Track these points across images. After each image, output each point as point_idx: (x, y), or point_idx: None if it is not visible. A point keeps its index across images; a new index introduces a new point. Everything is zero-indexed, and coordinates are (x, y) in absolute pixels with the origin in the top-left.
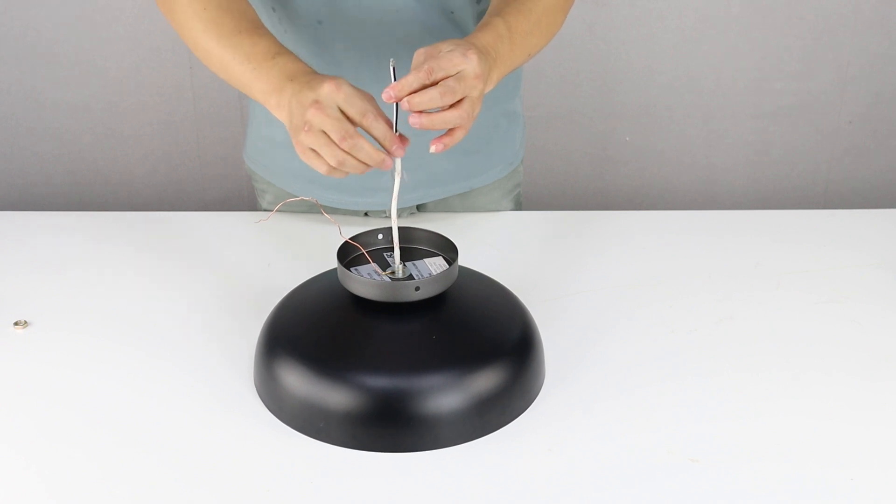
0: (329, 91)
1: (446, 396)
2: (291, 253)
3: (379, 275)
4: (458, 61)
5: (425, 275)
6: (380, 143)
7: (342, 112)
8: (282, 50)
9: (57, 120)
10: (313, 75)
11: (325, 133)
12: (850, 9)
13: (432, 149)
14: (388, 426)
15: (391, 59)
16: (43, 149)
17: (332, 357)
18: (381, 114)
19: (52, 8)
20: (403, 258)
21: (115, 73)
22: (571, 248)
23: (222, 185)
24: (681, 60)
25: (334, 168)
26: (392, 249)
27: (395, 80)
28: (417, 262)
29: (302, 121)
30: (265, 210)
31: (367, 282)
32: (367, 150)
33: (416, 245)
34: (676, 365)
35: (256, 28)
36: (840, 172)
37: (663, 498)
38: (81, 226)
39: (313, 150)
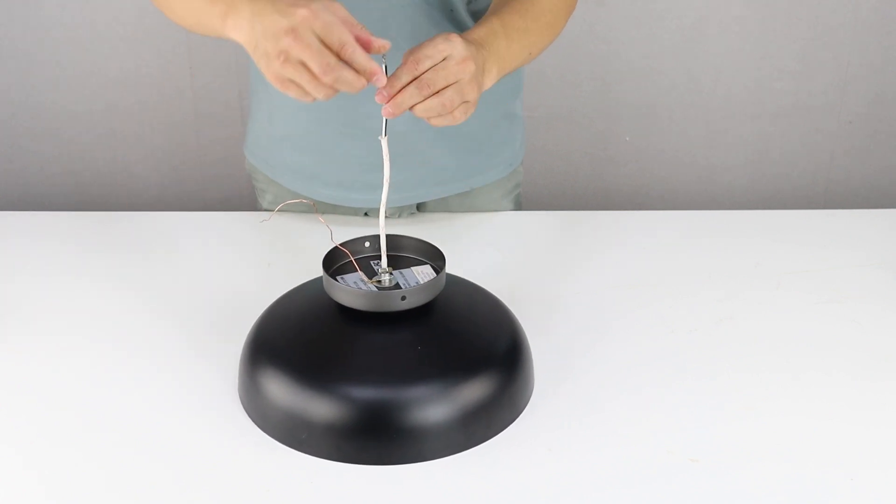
0: (305, 18)
1: (432, 408)
2: (291, 253)
3: (365, 283)
4: (443, 47)
5: (412, 283)
6: (361, 72)
7: (320, 40)
8: None
9: (57, 120)
10: None
11: (303, 64)
12: (849, 9)
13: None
14: (373, 438)
15: (383, 56)
16: (43, 149)
17: (316, 367)
18: (357, 43)
19: (53, 8)
20: (391, 266)
21: (115, 74)
22: (571, 248)
23: (222, 185)
24: (681, 60)
25: (313, 97)
26: (379, 257)
27: (386, 75)
28: (404, 271)
29: (276, 49)
30: (265, 210)
31: (352, 291)
32: (349, 80)
33: (404, 253)
34: (676, 365)
35: None
36: (840, 172)
37: (663, 498)
38: (81, 226)
39: (289, 80)
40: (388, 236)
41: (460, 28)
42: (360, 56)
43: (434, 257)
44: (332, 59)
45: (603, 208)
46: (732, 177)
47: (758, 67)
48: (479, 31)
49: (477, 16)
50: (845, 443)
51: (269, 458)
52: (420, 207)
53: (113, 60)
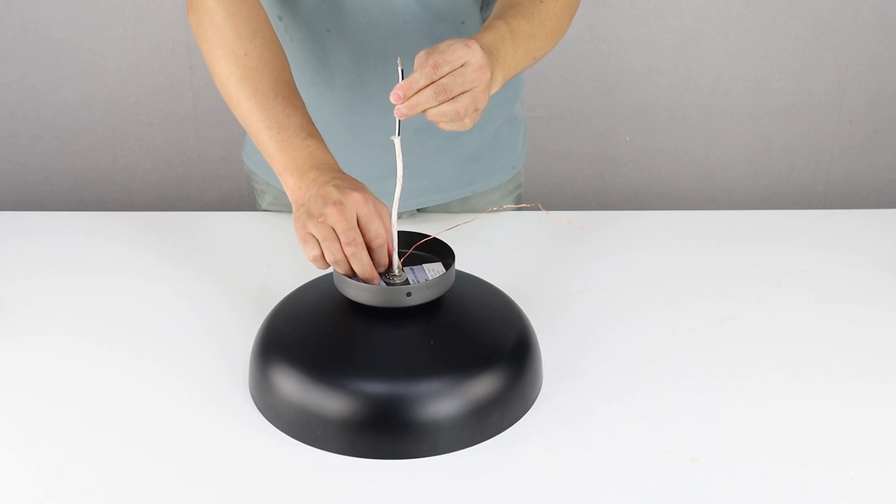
0: (356, 201)
1: (443, 402)
2: (291, 253)
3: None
4: (462, 53)
5: (422, 280)
6: (374, 265)
7: (359, 223)
8: (313, 131)
9: (57, 120)
10: (340, 174)
11: (333, 230)
12: (850, 9)
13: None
14: (385, 433)
15: (398, 58)
16: (43, 149)
17: (328, 363)
18: (388, 243)
19: (53, 8)
20: (406, 263)
21: (115, 73)
22: (571, 248)
23: (222, 185)
24: (681, 60)
25: (324, 262)
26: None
27: (402, 79)
28: (416, 268)
29: (319, 212)
30: (265, 210)
31: (360, 286)
32: (364, 262)
33: (418, 250)
34: (676, 365)
35: (292, 95)
36: (840, 172)
37: (663, 498)
38: (81, 226)
39: (313, 237)
40: (401, 233)
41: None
42: (383, 254)
43: (446, 254)
44: (360, 239)
45: (603, 208)
46: (732, 176)
47: (758, 67)
48: (487, 37)
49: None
50: (845, 443)
51: (280, 453)
52: (420, 209)
53: (113, 60)
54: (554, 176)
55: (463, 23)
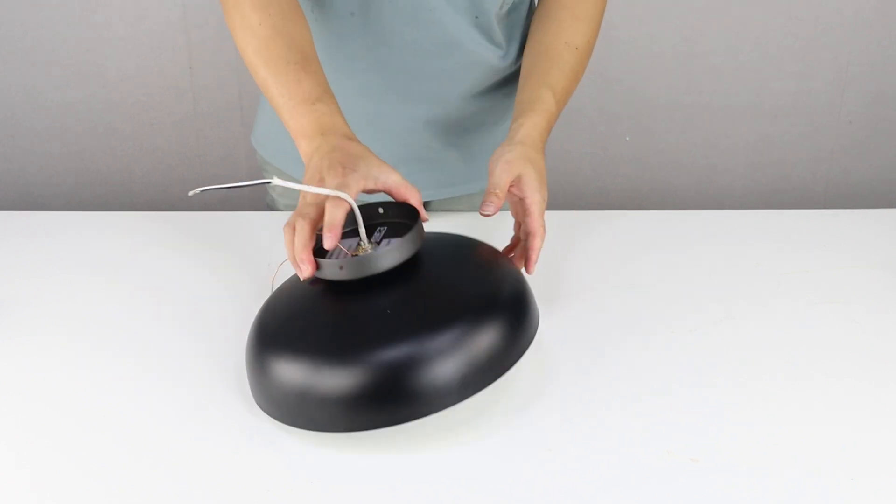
0: (314, 213)
1: (436, 358)
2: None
3: (345, 253)
4: (538, 198)
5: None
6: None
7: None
8: (322, 95)
9: (57, 120)
10: (342, 142)
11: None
12: (850, 9)
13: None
14: (381, 400)
15: (379, 209)
16: (43, 149)
17: (321, 341)
18: (333, 232)
19: (53, 8)
20: (388, 235)
21: (115, 73)
22: (571, 248)
23: None
24: (681, 60)
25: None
26: (384, 225)
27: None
28: (394, 239)
29: (294, 218)
30: (270, 205)
31: (321, 262)
32: (292, 240)
33: (404, 220)
34: (676, 365)
35: (305, 61)
36: (840, 172)
37: (664, 498)
38: (81, 226)
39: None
40: (380, 204)
41: (484, 33)
42: (306, 251)
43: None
44: (310, 213)
45: (603, 208)
46: (732, 177)
47: (758, 67)
48: (540, 122)
49: (506, 20)
50: (845, 443)
51: (278, 454)
52: (424, 205)
53: (113, 60)
54: (554, 176)
55: (477, 17)
